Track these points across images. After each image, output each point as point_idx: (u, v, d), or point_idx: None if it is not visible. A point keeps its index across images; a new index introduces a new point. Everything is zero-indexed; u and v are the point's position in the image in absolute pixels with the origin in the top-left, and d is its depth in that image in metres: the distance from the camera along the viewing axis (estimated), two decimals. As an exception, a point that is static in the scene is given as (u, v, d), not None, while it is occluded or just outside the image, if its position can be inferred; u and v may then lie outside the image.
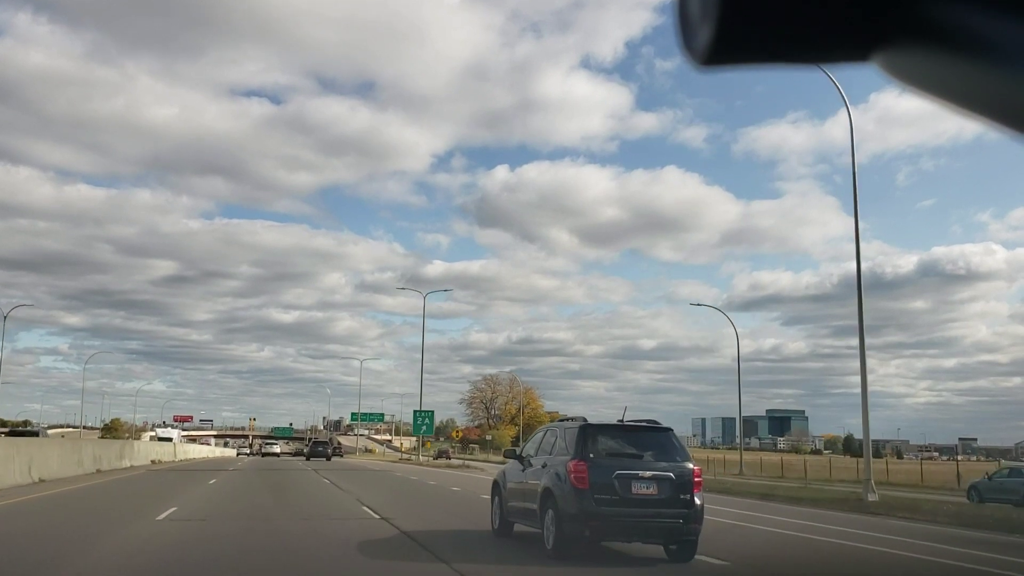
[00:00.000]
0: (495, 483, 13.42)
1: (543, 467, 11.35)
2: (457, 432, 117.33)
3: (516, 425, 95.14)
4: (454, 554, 10.60)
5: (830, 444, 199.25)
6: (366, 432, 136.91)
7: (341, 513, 16.71)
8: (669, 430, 11.54)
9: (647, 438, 11.28)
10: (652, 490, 10.52)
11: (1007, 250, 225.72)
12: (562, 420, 12.56)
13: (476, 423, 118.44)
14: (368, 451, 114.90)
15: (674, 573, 10.31)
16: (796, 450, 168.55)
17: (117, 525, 13.13)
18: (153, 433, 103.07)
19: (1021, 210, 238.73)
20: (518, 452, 12.99)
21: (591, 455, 10.65)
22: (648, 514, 10.47)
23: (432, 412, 65.96)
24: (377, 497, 21.15)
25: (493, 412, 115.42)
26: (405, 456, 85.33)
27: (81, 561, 9.42)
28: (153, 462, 43.51)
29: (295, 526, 13.47)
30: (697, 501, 10.64)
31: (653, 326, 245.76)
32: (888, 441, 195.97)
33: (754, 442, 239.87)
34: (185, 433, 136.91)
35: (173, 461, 50.23)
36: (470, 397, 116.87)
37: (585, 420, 11.54)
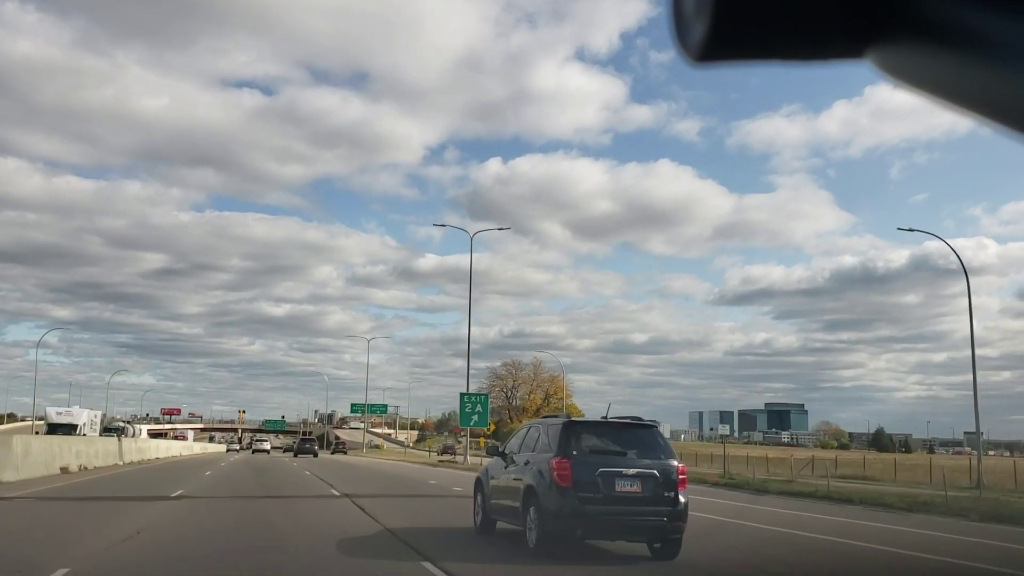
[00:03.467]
0: (477, 480, 13.26)
1: (526, 464, 11.19)
2: (491, 427, 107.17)
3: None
4: (436, 553, 10.44)
5: (836, 439, 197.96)
6: (362, 425, 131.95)
7: None
8: (653, 426, 11.38)
9: (631, 435, 11.10)
10: (636, 488, 10.35)
11: (999, 244, 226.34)
12: (546, 417, 12.38)
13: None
14: (375, 447, 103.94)
15: (658, 572, 10.13)
16: (823, 445, 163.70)
17: None
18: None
19: (1014, 204, 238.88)
20: (501, 449, 12.83)
21: (574, 452, 10.48)
22: (632, 512, 10.32)
23: (486, 396, 48.07)
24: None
25: (515, 403, 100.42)
26: (445, 457, 65.52)
27: None
28: (64, 470, 26.09)
29: None
30: (682, 499, 10.48)
31: (645, 320, 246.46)
32: (892, 436, 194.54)
33: (755, 436, 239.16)
34: (170, 427, 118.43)
35: (117, 465, 33.99)
36: (489, 385, 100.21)
37: (568, 416, 11.39)
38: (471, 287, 46.85)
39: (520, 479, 11.15)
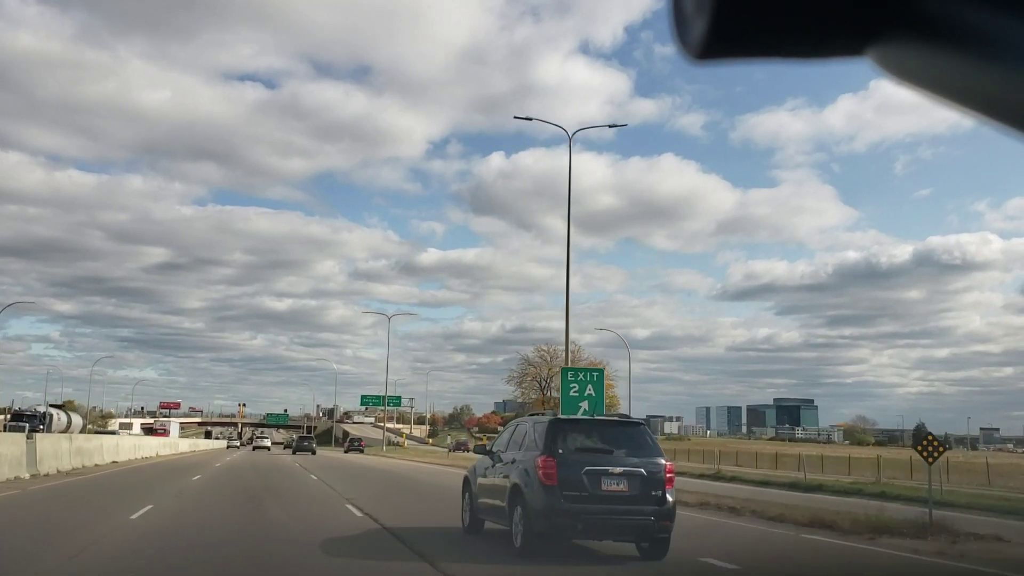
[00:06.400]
0: (465, 479, 13.12)
1: (512, 463, 11.05)
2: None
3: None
4: (427, 552, 10.30)
5: (847, 436, 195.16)
6: (368, 420, 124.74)
7: None
8: (641, 424, 11.22)
9: (618, 433, 10.93)
10: (623, 486, 10.19)
11: (1003, 240, 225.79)
12: (532, 415, 12.22)
13: (493, 411, 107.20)
14: (395, 444, 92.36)
15: (645, 571, 9.96)
16: (858, 442, 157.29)
17: None
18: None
19: (1018, 200, 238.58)
20: (488, 447, 12.69)
21: (560, 450, 10.33)
22: (619, 511, 10.16)
23: (601, 372, 29.41)
24: None
25: (549, 393, 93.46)
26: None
27: None
28: None
29: None
30: (669, 498, 10.32)
31: (647, 315, 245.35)
32: (890, 431, 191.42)
33: (767, 432, 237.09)
34: (163, 420, 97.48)
35: (18, 479, 20.71)
36: (520, 374, 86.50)
37: (555, 414, 11.25)
38: (570, 197, 24.89)
39: (506, 478, 11.01)
